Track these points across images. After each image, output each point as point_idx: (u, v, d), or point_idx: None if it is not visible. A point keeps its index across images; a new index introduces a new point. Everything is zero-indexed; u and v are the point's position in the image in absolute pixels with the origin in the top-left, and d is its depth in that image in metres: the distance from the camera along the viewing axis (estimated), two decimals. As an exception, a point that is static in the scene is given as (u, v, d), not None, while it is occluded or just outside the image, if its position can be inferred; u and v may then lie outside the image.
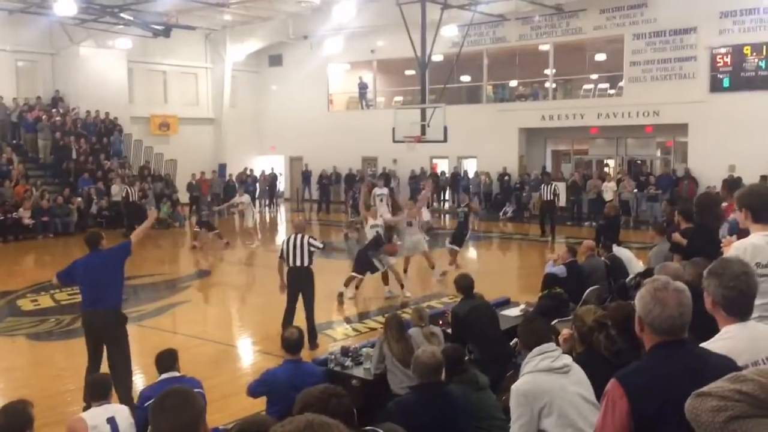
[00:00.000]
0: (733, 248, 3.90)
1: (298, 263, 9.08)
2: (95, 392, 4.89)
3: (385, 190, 16.96)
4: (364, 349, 6.63)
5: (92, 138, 25.06)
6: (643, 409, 2.35)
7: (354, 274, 11.71)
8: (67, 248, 18.54)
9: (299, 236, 9.16)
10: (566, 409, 3.54)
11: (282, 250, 9.28)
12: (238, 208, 18.41)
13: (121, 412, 4.75)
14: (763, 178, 17.68)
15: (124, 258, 6.96)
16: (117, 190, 21.83)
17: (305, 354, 6.50)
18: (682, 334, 2.49)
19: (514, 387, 3.66)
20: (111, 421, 4.58)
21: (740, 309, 2.82)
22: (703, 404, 1.66)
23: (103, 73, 26.05)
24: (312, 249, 9.12)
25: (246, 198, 17.55)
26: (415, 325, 6.39)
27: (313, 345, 8.82)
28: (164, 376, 5.27)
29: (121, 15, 22.86)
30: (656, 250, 8.66)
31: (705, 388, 1.69)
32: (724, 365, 2.41)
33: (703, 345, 2.67)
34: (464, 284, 7.00)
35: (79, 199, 21.52)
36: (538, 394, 3.57)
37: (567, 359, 3.73)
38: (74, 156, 23.79)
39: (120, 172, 23.51)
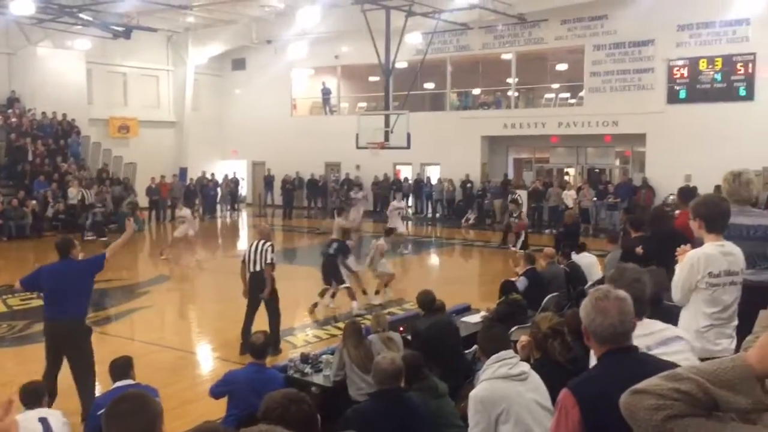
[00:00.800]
0: (687, 258, 3.98)
1: (258, 268, 9.04)
2: (26, 399, 4.83)
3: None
4: (324, 356, 6.59)
5: (49, 140, 24.53)
6: (594, 418, 2.40)
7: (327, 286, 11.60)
8: (21, 252, 18.12)
9: (261, 242, 9.14)
10: (523, 416, 3.58)
11: (245, 254, 9.26)
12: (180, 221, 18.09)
13: (55, 415, 4.71)
14: (718, 188, 18.09)
15: (95, 271, 6.66)
16: (74, 193, 21.42)
17: (281, 356, 6.44)
18: (627, 341, 2.57)
19: (472, 394, 3.68)
20: (43, 421, 4.51)
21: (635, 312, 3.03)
22: (640, 402, 1.66)
23: (61, 74, 25.55)
24: (268, 257, 9.02)
25: (186, 212, 17.32)
26: (374, 331, 6.39)
27: (276, 350, 8.74)
28: (118, 383, 5.17)
29: (80, 15, 22.44)
30: (610, 258, 8.82)
31: (641, 385, 1.69)
32: (662, 366, 2.49)
33: None
34: (424, 300, 7.02)
35: (34, 201, 21.04)
36: (495, 400, 3.60)
37: (524, 366, 3.76)
38: (30, 158, 23.26)
39: (77, 174, 23.06)
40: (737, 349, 3.55)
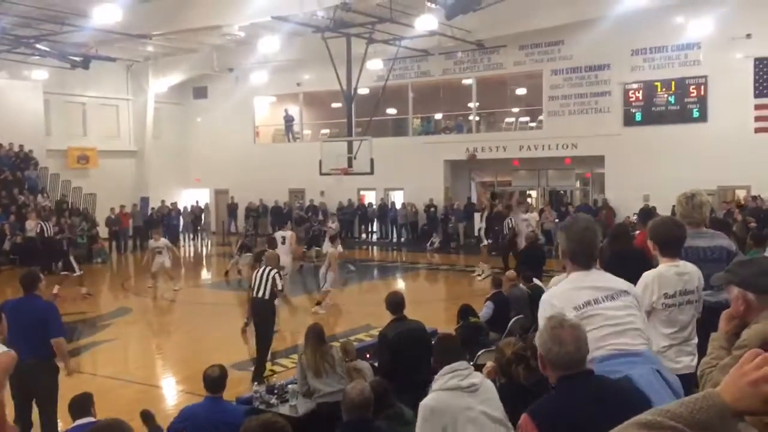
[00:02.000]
0: (642, 279, 4.04)
1: (260, 294, 9.18)
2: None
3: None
4: (290, 386, 6.52)
5: (6, 171, 24.05)
6: None
7: None
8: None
9: (267, 269, 9.30)
10: (468, 429, 3.64)
11: (251, 280, 9.52)
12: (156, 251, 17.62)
13: None
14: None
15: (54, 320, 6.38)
16: (32, 225, 20.95)
17: (245, 388, 6.38)
18: (583, 366, 2.65)
19: (421, 403, 3.79)
20: None
21: (583, 258, 3.21)
22: None
23: (18, 105, 25.13)
24: (275, 284, 9.18)
25: (162, 242, 16.92)
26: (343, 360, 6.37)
27: (260, 379, 8.63)
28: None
29: (37, 46, 22.21)
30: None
31: None
32: (625, 391, 2.64)
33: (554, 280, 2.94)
34: (394, 302, 6.70)
35: (-7, 235, 20.57)
36: (442, 411, 3.69)
37: (476, 378, 3.84)
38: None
39: (35, 206, 22.62)
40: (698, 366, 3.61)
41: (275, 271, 9.32)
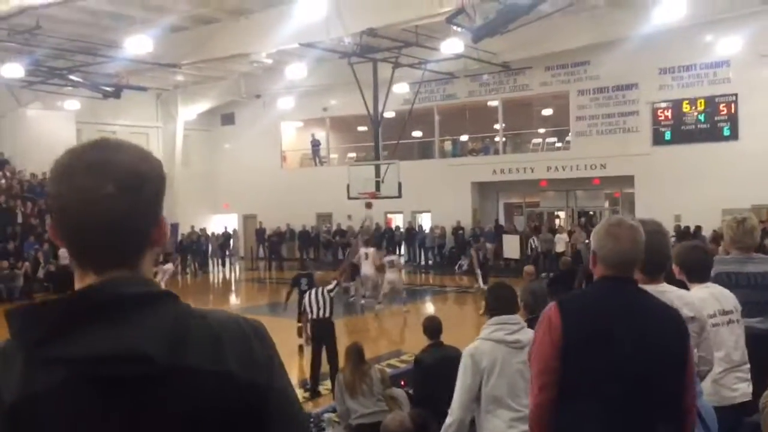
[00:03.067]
0: (680, 299, 3.99)
1: (321, 315, 9.46)
2: None
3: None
4: (326, 415, 6.48)
5: (39, 201, 24.47)
6: (574, 332, 2.45)
7: None
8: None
9: (320, 289, 9.62)
10: (503, 382, 3.69)
11: (304, 304, 9.82)
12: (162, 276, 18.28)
13: None
14: (698, 228, 18.18)
15: None
16: (66, 253, 21.19)
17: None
18: (631, 271, 2.59)
19: (465, 351, 3.75)
20: None
21: (652, 268, 3.03)
22: None
23: (51, 135, 25.51)
24: (331, 296, 9.55)
25: (168, 266, 17.57)
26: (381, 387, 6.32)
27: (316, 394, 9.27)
28: None
29: (70, 77, 22.66)
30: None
31: None
32: (661, 309, 2.57)
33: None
34: (431, 327, 6.55)
35: (27, 263, 20.85)
36: (480, 358, 3.72)
37: (523, 335, 3.78)
38: (20, 219, 23.14)
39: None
40: (755, 395, 3.52)
41: (325, 288, 9.62)
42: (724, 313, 3.91)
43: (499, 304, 3.92)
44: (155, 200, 1.24)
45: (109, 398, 1.11)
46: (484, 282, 17.70)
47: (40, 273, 21.23)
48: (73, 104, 25.81)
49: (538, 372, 2.51)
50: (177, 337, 1.14)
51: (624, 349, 2.43)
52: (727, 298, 3.97)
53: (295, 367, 11.23)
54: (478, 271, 18.75)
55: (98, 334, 1.10)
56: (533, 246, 19.53)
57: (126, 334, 1.10)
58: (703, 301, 3.88)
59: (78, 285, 1.21)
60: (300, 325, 11.75)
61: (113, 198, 1.16)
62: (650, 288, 2.92)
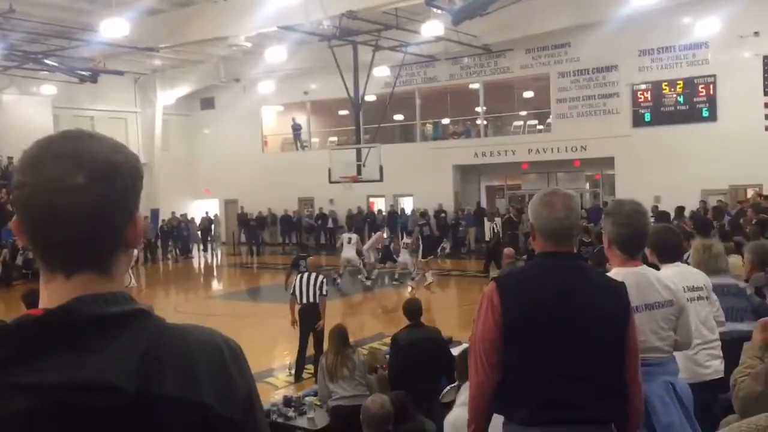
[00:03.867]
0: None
1: (310, 300, 9.45)
2: None
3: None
4: (307, 398, 6.49)
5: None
6: (511, 309, 2.48)
7: None
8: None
9: (313, 275, 9.60)
10: None
11: (294, 287, 9.73)
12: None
13: None
14: (681, 209, 18.34)
15: None
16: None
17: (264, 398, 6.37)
18: (569, 243, 2.60)
19: (446, 420, 3.71)
20: None
21: (633, 246, 3.04)
22: None
23: (27, 121, 25.18)
24: (322, 289, 9.52)
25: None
26: (371, 368, 6.34)
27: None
28: None
29: (46, 61, 22.33)
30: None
31: None
32: (602, 285, 2.59)
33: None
34: (410, 308, 6.74)
35: (5, 250, 20.62)
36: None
37: None
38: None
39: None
40: (726, 370, 3.56)
41: (322, 276, 9.65)
42: (693, 289, 3.97)
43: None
44: (129, 194, 1.16)
45: (72, 429, 1.03)
46: (424, 257, 18.22)
47: (19, 260, 20.99)
48: (49, 89, 25.46)
49: (483, 351, 2.50)
50: (150, 363, 1.06)
51: (561, 328, 2.44)
52: (696, 276, 4.05)
53: (279, 352, 11.25)
54: (419, 251, 18.81)
55: (65, 360, 1.02)
56: (495, 230, 19.77)
57: (94, 362, 1.02)
58: (668, 278, 3.94)
59: (44, 290, 1.12)
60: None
61: (84, 188, 1.09)
62: (629, 269, 2.95)
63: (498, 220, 21.31)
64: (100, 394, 1.02)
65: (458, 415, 3.65)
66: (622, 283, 2.62)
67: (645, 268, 3.15)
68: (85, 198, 1.09)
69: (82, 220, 1.09)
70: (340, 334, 6.37)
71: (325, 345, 6.51)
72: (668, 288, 3.11)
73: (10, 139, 24.84)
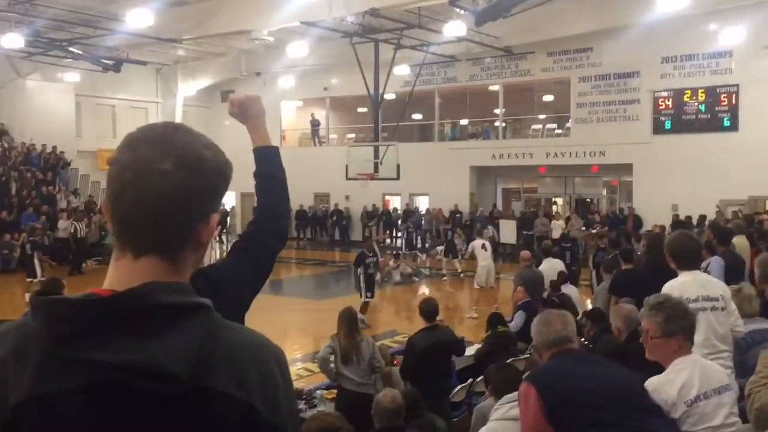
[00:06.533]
0: (663, 288, 4.05)
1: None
2: None
3: None
4: (318, 392, 6.54)
5: (37, 172, 24.43)
6: (552, 399, 2.67)
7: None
8: (7, 286, 17.91)
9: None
10: None
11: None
12: None
13: None
14: (703, 217, 18.22)
15: None
16: (65, 226, 21.21)
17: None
18: (572, 344, 2.93)
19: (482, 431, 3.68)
20: None
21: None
22: None
23: (50, 107, 25.55)
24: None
25: None
26: (382, 360, 6.38)
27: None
28: None
29: (70, 49, 22.56)
30: (599, 289, 8.90)
31: None
32: (616, 366, 3.00)
33: (653, 377, 2.88)
34: (426, 310, 6.79)
35: (24, 235, 20.83)
36: None
37: None
38: (14, 191, 23.10)
39: (68, 206, 22.92)
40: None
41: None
42: (709, 299, 3.97)
43: (505, 384, 3.98)
44: (210, 192, 1.19)
45: (126, 410, 1.07)
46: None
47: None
48: (72, 76, 25.71)
49: None
50: (205, 356, 1.09)
51: (602, 401, 2.69)
52: (714, 286, 4.04)
53: (290, 346, 11.32)
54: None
55: (127, 342, 1.05)
56: (492, 235, 19.97)
57: (155, 348, 1.05)
58: (684, 285, 3.95)
59: (113, 267, 1.16)
60: (367, 300, 12.57)
61: (168, 174, 1.13)
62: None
63: (509, 222, 21.27)
64: (158, 380, 1.05)
65: (494, 428, 3.67)
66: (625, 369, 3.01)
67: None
68: (167, 183, 1.13)
69: (159, 204, 1.13)
70: (349, 317, 6.31)
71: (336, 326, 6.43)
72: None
73: (32, 124, 25.21)
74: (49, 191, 23.85)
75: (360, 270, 12.72)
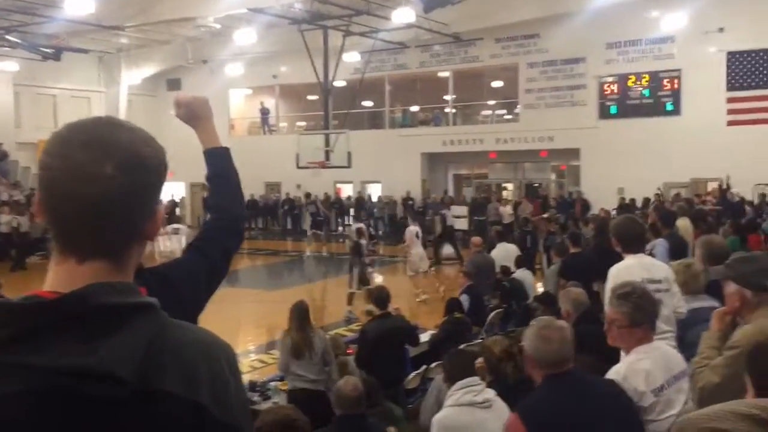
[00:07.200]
0: (609, 273, 4.13)
1: None
2: None
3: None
4: (271, 383, 6.48)
5: (-25, 165, 23.60)
6: None
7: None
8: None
9: None
10: None
11: None
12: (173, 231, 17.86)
13: None
14: (647, 200, 18.65)
15: None
16: (6, 220, 20.52)
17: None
18: (568, 365, 2.73)
19: (435, 419, 3.70)
20: None
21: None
22: None
23: (-13, 97, 24.66)
24: None
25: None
26: (329, 358, 6.33)
27: None
28: None
29: (7, 37, 21.76)
30: (549, 272, 9.08)
31: None
32: (608, 387, 2.75)
33: (618, 366, 2.88)
34: (378, 296, 6.85)
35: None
36: (457, 427, 3.61)
37: (489, 394, 3.78)
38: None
39: (9, 200, 22.20)
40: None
41: None
42: (652, 281, 4.04)
43: (458, 370, 3.94)
44: (153, 189, 1.16)
45: (70, 415, 1.03)
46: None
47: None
48: (10, 65, 24.81)
49: None
50: (153, 356, 1.06)
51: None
52: (658, 268, 4.13)
53: (243, 338, 11.21)
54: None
55: (70, 346, 1.01)
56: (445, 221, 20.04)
57: (100, 351, 1.02)
58: (629, 268, 4.02)
59: (54, 271, 1.11)
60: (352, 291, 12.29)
61: (110, 179, 1.07)
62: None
63: (451, 210, 21.35)
64: (103, 383, 1.02)
65: (448, 414, 3.68)
66: (618, 385, 2.80)
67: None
68: (109, 188, 1.08)
69: (103, 211, 1.09)
70: (302, 311, 6.20)
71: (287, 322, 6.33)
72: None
73: (-32, 115, 24.27)
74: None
75: (357, 260, 12.57)
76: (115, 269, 1.12)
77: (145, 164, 1.13)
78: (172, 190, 29.54)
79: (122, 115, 28.96)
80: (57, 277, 1.11)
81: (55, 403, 1.02)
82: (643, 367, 2.84)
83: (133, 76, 28.79)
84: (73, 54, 23.49)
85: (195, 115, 2.12)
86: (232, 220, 1.95)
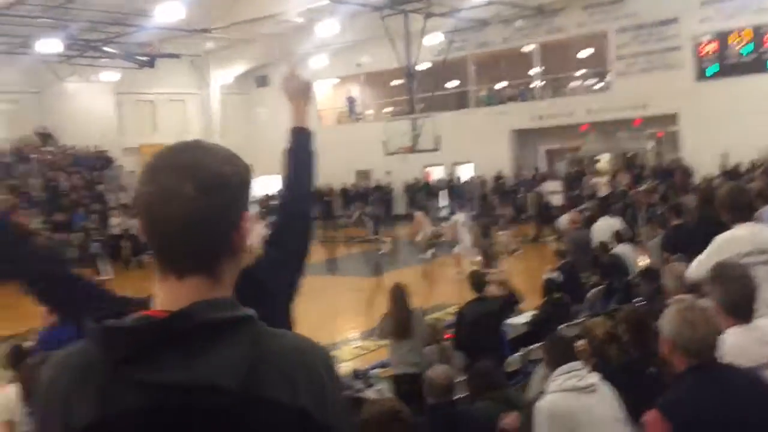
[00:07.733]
0: (715, 240, 3.96)
1: None
2: None
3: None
4: (374, 371, 6.59)
5: (85, 172, 25.00)
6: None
7: None
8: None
9: None
10: (590, 431, 3.52)
11: None
12: None
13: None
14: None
15: None
16: (117, 222, 21.61)
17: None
18: (714, 353, 2.49)
19: (538, 405, 3.64)
20: None
21: (744, 311, 2.89)
22: None
23: (91, 107, 26.06)
24: None
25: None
26: (433, 339, 6.39)
27: None
28: None
29: (105, 49, 22.89)
30: (651, 245, 8.77)
31: None
32: (752, 380, 2.52)
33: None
34: (476, 281, 6.89)
35: (80, 233, 21.33)
36: (562, 414, 3.56)
37: (593, 378, 3.68)
38: (67, 191, 23.68)
39: (117, 203, 23.41)
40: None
41: None
42: (762, 252, 3.84)
43: (559, 355, 3.85)
44: (235, 204, 1.23)
45: (183, 427, 1.12)
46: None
47: (92, 247, 21.65)
48: (110, 75, 26.12)
49: None
50: (253, 365, 1.13)
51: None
52: (766, 237, 3.91)
53: (342, 325, 11.43)
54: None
55: (179, 362, 1.11)
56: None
57: (205, 364, 1.10)
58: (735, 239, 3.83)
59: (159, 289, 1.21)
60: None
61: (191, 199, 1.16)
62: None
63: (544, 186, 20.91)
64: (210, 395, 1.10)
65: (554, 400, 3.61)
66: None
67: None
68: (191, 208, 1.17)
69: (190, 228, 1.18)
70: (400, 294, 6.27)
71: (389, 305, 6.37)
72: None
73: (75, 126, 25.76)
74: (97, 190, 24.40)
75: None
76: (213, 283, 1.20)
77: (225, 182, 1.21)
78: (268, 184, 30.31)
79: (215, 114, 30.05)
80: (163, 295, 1.21)
81: (169, 416, 1.12)
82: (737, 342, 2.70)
83: (223, 76, 29.73)
84: (165, 60, 24.45)
85: (298, 92, 2.27)
86: (301, 199, 2.11)
